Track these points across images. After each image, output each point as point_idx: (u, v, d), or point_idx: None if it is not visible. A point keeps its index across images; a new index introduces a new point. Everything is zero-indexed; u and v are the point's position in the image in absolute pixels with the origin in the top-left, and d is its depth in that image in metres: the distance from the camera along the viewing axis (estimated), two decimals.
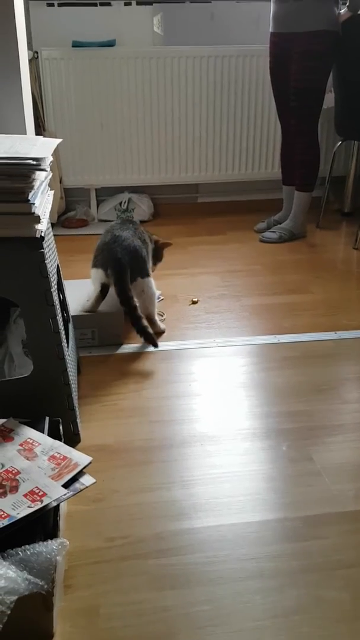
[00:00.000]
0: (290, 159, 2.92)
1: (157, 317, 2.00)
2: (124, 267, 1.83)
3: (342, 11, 2.64)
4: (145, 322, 1.83)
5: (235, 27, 3.13)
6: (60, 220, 3.21)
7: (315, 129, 2.79)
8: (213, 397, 1.65)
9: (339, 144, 3.08)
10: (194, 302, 2.00)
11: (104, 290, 1.92)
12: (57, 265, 1.56)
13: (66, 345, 1.44)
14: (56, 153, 3.10)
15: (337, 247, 2.86)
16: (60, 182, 3.17)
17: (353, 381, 1.72)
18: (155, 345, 1.83)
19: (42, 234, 1.28)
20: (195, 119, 3.19)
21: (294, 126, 2.80)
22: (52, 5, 3.03)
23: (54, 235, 1.62)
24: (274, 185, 3.21)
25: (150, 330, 1.84)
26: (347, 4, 2.61)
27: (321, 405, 1.60)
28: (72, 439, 1.43)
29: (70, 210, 3.28)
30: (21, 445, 1.22)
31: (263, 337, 1.99)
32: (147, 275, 1.91)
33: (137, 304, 1.83)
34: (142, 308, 1.89)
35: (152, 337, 1.83)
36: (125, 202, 3.27)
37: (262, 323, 2.09)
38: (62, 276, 1.63)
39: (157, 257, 2.15)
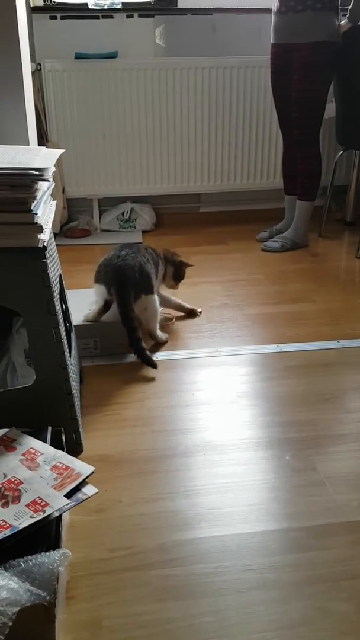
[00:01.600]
0: (292, 168, 2.93)
1: (159, 329, 2.01)
2: (127, 288, 1.83)
3: (342, 22, 2.65)
4: (143, 345, 1.83)
5: (236, 38, 3.15)
6: (63, 230, 3.22)
7: (317, 139, 2.80)
8: (216, 407, 1.65)
9: (340, 153, 3.09)
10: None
11: (106, 305, 1.92)
12: (60, 275, 1.57)
13: (69, 354, 1.44)
14: (59, 163, 3.12)
15: (340, 256, 2.86)
16: (63, 192, 3.19)
17: (356, 390, 1.72)
18: (154, 367, 1.82)
19: (45, 244, 1.28)
20: (197, 130, 3.21)
21: (296, 136, 2.81)
22: (54, 17, 3.05)
23: (57, 245, 1.63)
24: (276, 195, 3.22)
25: (148, 354, 1.83)
26: (347, 15, 2.63)
27: (324, 414, 1.60)
28: (75, 449, 1.42)
29: (73, 220, 3.29)
30: (23, 455, 1.22)
31: (266, 346, 1.98)
32: (152, 292, 1.92)
33: (138, 323, 1.85)
34: (145, 323, 1.92)
35: (149, 360, 1.82)
36: (127, 212, 3.28)
37: (264, 332, 2.09)
38: (64, 286, 1.64)
39: (179, 276, 2.19)
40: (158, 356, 1.92)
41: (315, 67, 2.63)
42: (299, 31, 2.60)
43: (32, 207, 1.21)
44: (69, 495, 1.11)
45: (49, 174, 1.26)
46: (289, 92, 2.75)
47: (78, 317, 1.88)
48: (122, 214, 3.28)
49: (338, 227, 3.31)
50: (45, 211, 1.34)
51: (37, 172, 1.20)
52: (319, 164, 2.86)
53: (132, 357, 1.91)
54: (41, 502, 1.08)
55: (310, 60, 2.62)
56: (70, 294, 1.80)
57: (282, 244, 2.92)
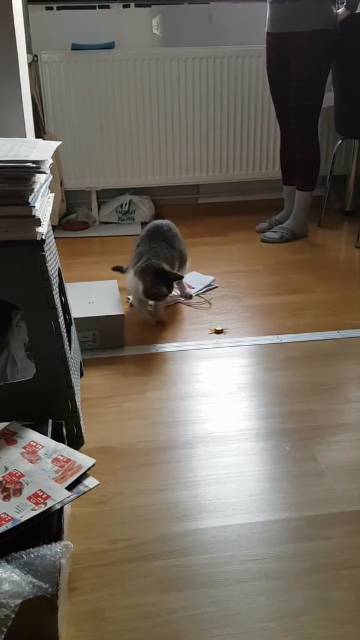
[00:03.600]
0: (290, 158, 2.92)
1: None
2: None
3: (339, 10, 2.63)
4: None
5: (233, 28, 3.13)
6: (62, 222, 3.21)
7: (315, 128, 2.79)
8: (216, 398, 1.65)
9: (339, 142, 3.08)
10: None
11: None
12: (59, 268, 1.56)
13: (68, 347, 1.44)
14: (57, 156, 3.11)
15: (339, 246, 2.86)
16: (61, 184, 3.18)
17: (356, 380, 1.72)
18: None
19: (43, 237, 1.28)
20: (195, 120, 3.19)
21: (294, 126, 2.80)
22: (51, 8, 3.03)
23: (55, 237, 1.63)
24: (275, 185, 3.20)
25: None
26: (345, 3, 2.61)
27: (324, 404, 1.60)
28: (76, 441, 1.43)
29: (72, 213, 3.28)
30: (24, 448, 1.22)
31: (265, 337, 1.98)
32: None
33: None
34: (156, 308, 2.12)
35: None
36: (126, 204, 3.27)
37: (264, 323, 2.09)
38: (63, 279, 1.63)
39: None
40: (158, 348, 1.93)
41: (313, 56, 2.61)
42: (296, 20, 2.58)
43: (29, 200, 1.21)
44: (70, 488, 1.12)
45: (46, 167, 1.25)
46: (285, 81, 2.74)
47: (77, 310, 1.88)
48: (121, 205, 3.27)
49: (337, 217, 3.30)
50: (43, 204, 1.33)
51: (34, 165, 1.19)
52: (318, 154, 2.84)
53: (132, 350, 1.92)
54: (42, 494, 1.08)
55: (308, 49, 2.60)
56: (69, 287, 1.79)
57: (282, 235, 2.91)
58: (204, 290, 2.36)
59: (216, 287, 2.38)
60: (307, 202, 2.92)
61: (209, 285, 2.39)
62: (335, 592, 1.05)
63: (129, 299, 2.26)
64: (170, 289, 2.01)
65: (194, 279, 2.42)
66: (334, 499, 1.26)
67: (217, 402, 1.63)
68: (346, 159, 3.35)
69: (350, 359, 1.84)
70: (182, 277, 2.11)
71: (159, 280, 1.96)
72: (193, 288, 2.36)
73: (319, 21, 2.56)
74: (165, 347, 1.93)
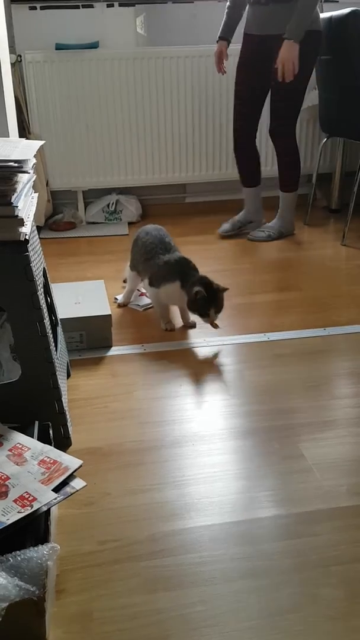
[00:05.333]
0: (248, 161, 2.91)
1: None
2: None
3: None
4: None
5: (217, 26, 3.12)
6: (48, 223, 3.20)
7: (294, 129, 2.79)
8: (204, 397, 1.65)
9: (324, 140, 3.09)
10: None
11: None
12: (44, 268, 1.55)
13: (55, 348, 1.43)
14: (42, 156, 3.09)
15: (325, 244, 2.87)
16: (47, 184, 3.16)
17: (343, 377, 1.72)
18: None
19: (27, 237, 1.27)
20: (181, 119, 3.19)
21: (275, 127, 2.77)
22: (34, 8, 3.02)
23: (42, 238, 1.62)
24: (262, 184, 3.21)
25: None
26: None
27: (312, 401, 1.60)
28: (63, 443, 1.42)
29: (58, 213, 3.27)
30: (10, 450, 1.21)
31: (253, 335, 1.99)
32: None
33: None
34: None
35: None
36: (113, 204, 3.27)
37: (252, 321, 2.09)
38: (49, 279, 1.62)
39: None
40: (145, 348, 1.92)
41: (300, 57, 2.57)
42: (280, 22, 2.54)
43: (12, 200, 1.20)
44: (57, 490, 1.11)
45: (28, 166, 1.24)
46: (257, 83, 2.73)
47: (64, 310, 1.87)
48: (108, 205, 3.27)
49: (323, 215, 3.31)
50: (27, 204, 1.32)
51: (16, 164, 1.18)
52: (299, 153, 2.85)
53: (119, 350, 1.91)
54: (29, 497, 1.08)
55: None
56: (55, 287, 1.79)
57: (269, 234, 2.91)
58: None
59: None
60: (292, 202, 2.92)
61: None
62: (324, 588, 1.06)
63: (116, 299, 2.25)
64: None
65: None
66: (322, 496, 1.27)
67: (204, 401, 1.63)
68: (331, 157, 3.37)
69: (337, 356, 1.84)
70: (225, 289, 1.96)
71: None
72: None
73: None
74: (153, 347, 1.93)
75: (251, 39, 2.71)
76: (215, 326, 1.93)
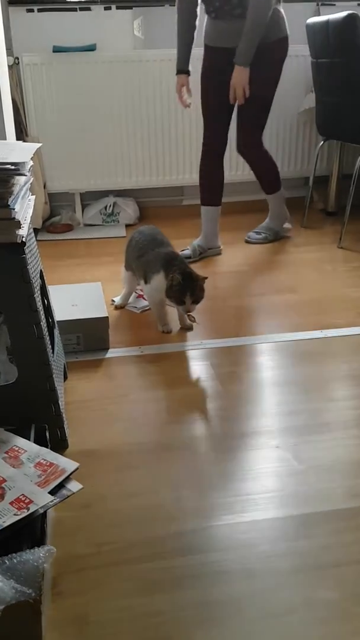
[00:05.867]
0: (212, 177, 2.76)
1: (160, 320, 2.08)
2: None
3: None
4: None
5: None
6: (45, 225, 3.20)
7: (261, 138, 2.68)
8: (200, 399, 1.65)
9: (321, 143, 3.10)
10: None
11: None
12: (41, 271, 1.55)
13: (51, 351, 1.43)
14: (40, 158, 3.10)
15: (322, 247, 2.87)
16: (45, 187, 3.17)
17: (339, 379, 1.73)
18: None
19: (24, 239, 1.27)
20: (178, 122, 3.20)
21: (244, 139, 2.66)
22: (32, 11, 3.02)
23: (39, 240, 1.62)
24: (258, 186, 3.21)
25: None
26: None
27: (308, 403, 1.61)
28: (60, 445, 1.42)
29: (55, 215, 3.27)
30: (7, 453, 1.21)
31: (249, 337, 1.99)
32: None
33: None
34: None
35: None
36: (110, 206, 3.27)
37: (248, 324, 2.09)
38: (46, 281, 1.63)
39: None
40: (142, 350, 1.92)
41: (266, 67, 2.49)
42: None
43: (9, 203, 1.20)
44: (53, 492, 1.11)
45: (25, 169, 1.25)
46: (226, 92, 2.53)
47: (61, 312, 1.87)
48: (105, 207, 3.27)
49: (320, 217, 3.32)
50: (24, 206, 1.32)
51: (13, 167, 1.18)
52: (271, 157, 2.74)
53: (116, 352, 1.91)
54: (25, 499, 1.07)
55: (261, 61, 2.44)
56: (53, 290, 1.79)
57: (265, 236, 2.92)
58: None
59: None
60: (281, 200, 2.88)
61: None
62: (321, 591, 1.06)
63: (113, 301, 2.25)
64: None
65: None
66: (318, 498, 1.27)
67: (201, 403, 1.63)
68: (328, 159, 3.38)
69: (334, 358, 1.84)
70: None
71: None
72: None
73: (270, 33, 2.44)
74: (150, 349, 1.93)
75: (213, 50, 2.57)
76: (191, 319, 1.92)
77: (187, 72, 2.64)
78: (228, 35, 2.48)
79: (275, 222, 2.94)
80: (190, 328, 2.06)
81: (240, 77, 2.45)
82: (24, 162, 1.23)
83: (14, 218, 1.22)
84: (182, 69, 2.64)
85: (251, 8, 2.34)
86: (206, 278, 1.92)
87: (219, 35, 2.53)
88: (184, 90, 2.66)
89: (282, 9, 2.49)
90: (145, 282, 2.02)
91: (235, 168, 3.32)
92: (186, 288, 1.88)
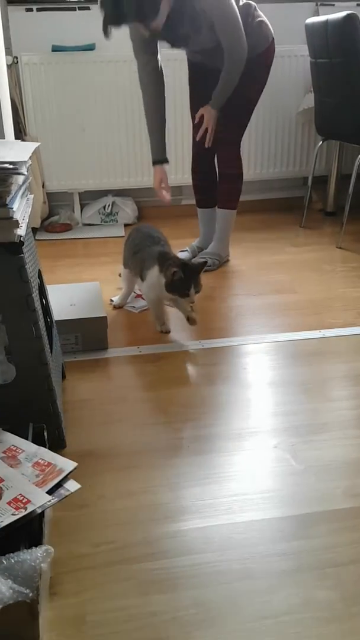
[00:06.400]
0: (206, 179, 2.67)
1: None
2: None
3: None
4: None
5: None
6: (44, 224, 3.20)
7: (240, 141, 2.54)
8: (198, 399, 1.64)
9: (320, 143, 3.10)
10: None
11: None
12: (39, 270, 1.55)
13: (49, 350, 1.43)
14: (38, 157, 3.09)
15: (321, 247, 2.87)
16: (43, 186, 3.16)
17: (338, 379, 1.73)
18: None
19: (22, 239, 1.26)
20: (177, 121, 3.19)
21: (222, 132, 2.45)
22: (31, 10, 3.02)
23: (38, 240, 1.62)
24: (256, 187, 3.22)
25: None
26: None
27: (307, 403, 1.60)
28: (58, 445, 1.41)
29: (54, 215, 3.27)
30: (4, 452, 1.20)
31: (248, 337, 1.99)
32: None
33: None
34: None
35: None
36: (109, 206, 3.27)
37: (247, 323, 2.09)
38: (44, 281, 1.62)
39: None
40: (141, 350, 1.92)
41: (259, 72, 2.42)
42: (222, 59, 2.27)
43: (7, 202, 1.20)
44: (51, 492, 1.11)
45: (24, 168, 1.24)
46: (205, 97, 2.40)
47: (60, 312, 1.87)
48: (104, 207, 3.27)
49: (319, 218, 3.32)
50: (22, 205, 1.32)
51: (11, 166, 1.18)
52: (242, 168, 2.59)
53: (114, 352, 1.91)
54: (23, 499, 1.07)
55: (254, 68, 2.34)
56: (51, 289, 1.78)
57: (213, 261, 2.61)
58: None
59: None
60: (231, 222, 2.64)
61: None
62: (319, 591, 1.05)
63: (112, 300, 2.25)
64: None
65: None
66: (317, 498, 1.27)
67: (199, 403, 1.63)
68: (327, 159, 3.38)
69: (333, 358, 1.84)
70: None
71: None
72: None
73: (258, 46, 2.34)
74: (148, 349, 1.93)
75: (195, 64, 2.51)
76: (193, 316, 1.96)
77: (165, 161, 2.45)
78: (209, 60, 2.39)
79: (220, 245, 2.67)
80: (195, 320, 2.00)
81: (208, 117, 2.37)
82: (22, 161, 1.22)
83: (12, 217, 1.21)
84: (158, 159, 2.44)
85: (228, 62, 2.25)
86: (205, 262, 1.95)
87: (201, 59, 2.45)
88: (163, 184, 2.44)
89: (261, 12, 2.37)
90: (142, 279, 2.02)
91: None
92: (188, 279, 1.87)
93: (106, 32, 2.08)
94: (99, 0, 2.07)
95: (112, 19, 2.06)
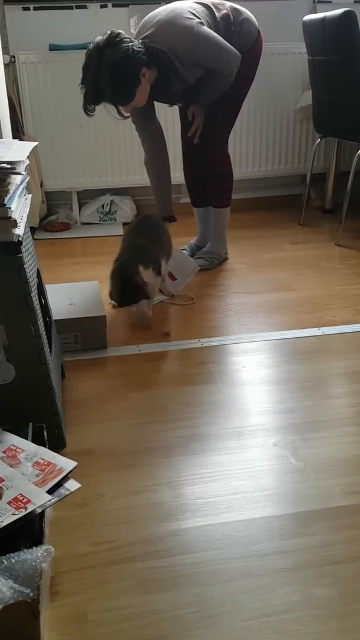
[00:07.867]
0: (199, 179, 2.64)
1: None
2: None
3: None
4: None
5: None
6: (42, 224, 3.19)
7: (227, 139, 2.51)
8: (197, 397, 1.65)
9: (318, 141, 3.10)
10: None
11: None
12: (37, 270, 1.55)
13: (49, 350, 1.43)
14: (36, 157, 3.09)
15: (320, 244, 2.87)
16: (41, 185, 3.16)
17: (337, 376, 1.73)
18: None
19: (20, 239, 1.26)
20: (175, 119, 3.18)
21: (210, 130, 2.43)
22: (27, 9, 3.01)
23: (36, 239, 1.62)
24: (255, 184, 3.22)
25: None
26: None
27: (306, 401, 1.61)
28: (57, 444, 1.42)
29: (52, 214, 3.26)
30: (4, 452, 1.21)
31: (248, 335, 1.99)
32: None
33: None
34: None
35: None
36: (107, 205, 3.26)
37: (246, 321, 2.09)
38: (43, 280, 1.62)
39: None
40: (140, 349, 1.92)
41: (248, 66, 2.34)
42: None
43: (5, 201, 1.20)
44: (51, 491, 1.11)
45: (21, 167, 1.24)
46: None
47: (58, 311, 1.87)
48: (102, 206, 3.26)
49: (317, 215, 3.32)
50: (20, 205, 1.32)
51: (9, 166, 1.18)
52: (231, 165, 2.56)
53: (114, 351, 1.91)
54: (23, 499, 1.07)
55: (242, 66, 2.28)
56: (50, 289, 1.78)
57: (212, 260, 2.62)
58: (187, 281, 2.35)
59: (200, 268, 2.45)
60: (226, 219, 2.63)
61: (192, 270, 2.38)
62: (319, 588, 1.06)
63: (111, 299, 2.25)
64: (137, 298, 1.99)
65: (175, 266, 2.32)
66: (316, 496, 1.27)
67: (198, 401, 1.63)
68: (325, 157, 3.37)
69: (332, 356, 1.85)
70: (147, 298, 2.01)
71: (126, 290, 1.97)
72: (175, 279, 2.33)
73: (247, 42, 2.31)
74: (148, 348, 1.93)
75: None
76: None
77: (173, 219, 2.48)
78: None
79: (218, 244, 2.67)
80: (172, 294, 2.16)
81: (198, 114, 2.38)
82: (20, 161, 1.22)
83: (10, 217, 1.21)
84: (168, 215, 2.48)
85: (220, 75, 2.23)
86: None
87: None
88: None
89: (242, 8, 2.32)
90: None
91: (238, 166, 3.31)
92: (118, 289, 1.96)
93: (86, 110, 2.19)
94: (81, 77, 2.13)
95: (90, 98, 2.15)
